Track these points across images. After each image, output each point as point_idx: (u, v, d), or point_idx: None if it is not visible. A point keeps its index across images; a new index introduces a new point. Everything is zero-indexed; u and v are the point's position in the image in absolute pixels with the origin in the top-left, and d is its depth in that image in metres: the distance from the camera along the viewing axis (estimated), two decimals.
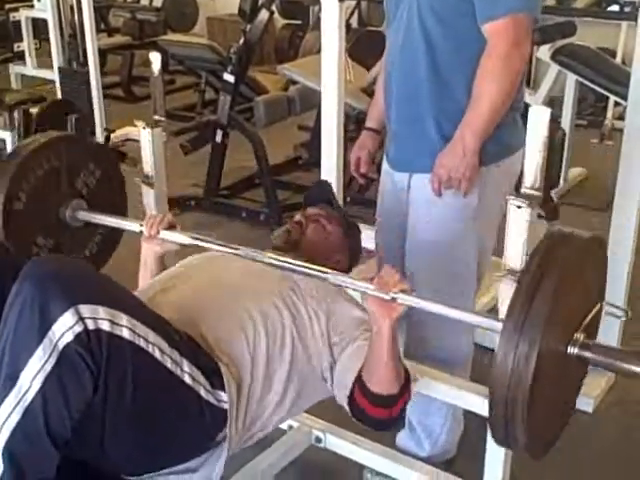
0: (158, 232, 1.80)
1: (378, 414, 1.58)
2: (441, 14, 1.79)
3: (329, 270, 1.63)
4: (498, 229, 1.95)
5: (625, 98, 2.47)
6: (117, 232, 2.14)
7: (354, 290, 1.63)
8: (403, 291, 1.48)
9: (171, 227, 1.82)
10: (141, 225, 1.85)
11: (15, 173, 1.90)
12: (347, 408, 1.63)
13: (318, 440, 2.16)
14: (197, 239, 1.79)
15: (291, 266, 1.66)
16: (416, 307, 1.51)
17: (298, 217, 1.96)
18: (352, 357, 1.62)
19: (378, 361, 1.53)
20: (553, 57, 4.06)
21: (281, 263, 1.68)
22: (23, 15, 5.49)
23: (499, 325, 1.30)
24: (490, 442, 1.83)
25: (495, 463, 1.85)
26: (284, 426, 2.17)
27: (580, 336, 1.34)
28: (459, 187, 1.80)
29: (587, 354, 1.33)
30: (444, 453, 2.17)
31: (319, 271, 1.64)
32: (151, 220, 1.82)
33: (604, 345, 1.38)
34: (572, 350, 1.33)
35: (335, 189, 2.25)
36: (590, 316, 1.40)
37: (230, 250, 1.75)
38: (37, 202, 1.96)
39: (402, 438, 2.21)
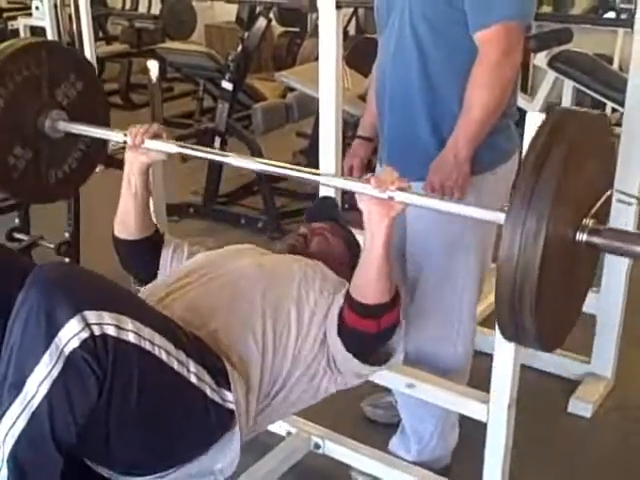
0: (143, 141, 1.75)
1: (367, 327, 1.56)
2: (433, 22, 1.79)
3: (319, 171, 1.59)
4: (496, 236, 1.96)
5: (622, 104, 2.48)
6: (98, 149, 2.06)
7: (351, 190, 1.56)
8: (401, 189, 1.44)
9: (157, 136, 1.77)
10: (125, 135, 1.79)
11: None
12: (339, 339, 1.60)
13: (317, 446, 2.16)
14: (182, 147, 1.75)
15: (278, 169, 1.64)
16: (414, 204, 1.46)
17: (303, 230, 1.95)
18: (342, 296, 1.62)
19: (370, 266, 1.51)
20: (550, 64, 4.07)
21: (269, 167, 1.65)
22: (21, 23, 5.49)
23: (502, 216, 1.23)
24: (488, 448, 1.83)
25: (493, 470, 1.85)
26: (283, 432, 2.17)
27: (589, 222, 1.27)
28: (452, 195, 1.81)
29: (596, 239, 1.25)
30: (435, 460, 2.16)
31: (309, 172, 1.61)
32: (136, 129, 1.77)
33: (614, 229, 1.31)
34: (581, 236, 1.26)
35: (333, 195, 2.26)
36: (600, 203, 1.32)
37: (219, 157, 1.73)
38: (15, 110, 1.87)
39: (393, 442, 2.22)
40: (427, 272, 1.97)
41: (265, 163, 1.67)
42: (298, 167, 1.64)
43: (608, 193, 1.37)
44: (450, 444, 2.18)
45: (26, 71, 1.88)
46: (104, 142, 2.05)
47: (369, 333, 1.57)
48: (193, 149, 1.75)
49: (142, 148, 1.76)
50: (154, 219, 1.92)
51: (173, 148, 1.74)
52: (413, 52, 1.83)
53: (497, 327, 1.31)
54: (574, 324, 1.44)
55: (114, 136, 1.87)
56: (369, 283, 1.53)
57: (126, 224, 1.82)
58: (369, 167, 2.20)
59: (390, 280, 1.54)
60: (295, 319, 1.63)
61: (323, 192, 2.32)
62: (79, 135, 1.99)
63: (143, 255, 1.85)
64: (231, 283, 1.69)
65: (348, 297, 1.57)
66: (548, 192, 1.15)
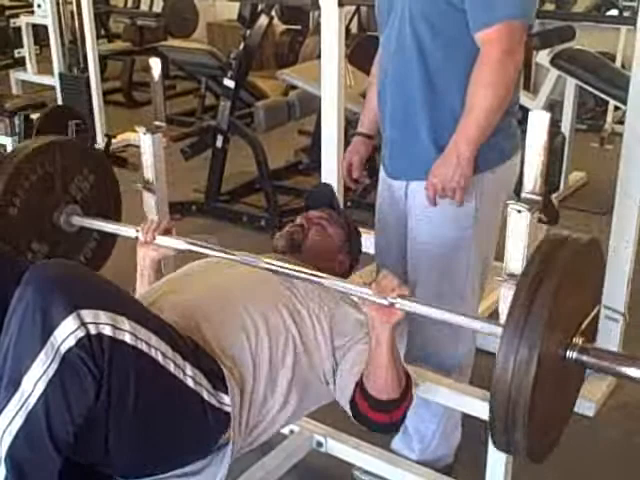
0: (154, 238, 1.81)
1: (379, 418, 1.59)
2: (432, 21, 1.78)
3: (326, 275, 1.63)
4: (499, 234, 1.95)
5: (625, 102, 2.47)
6: (112, 237, 2.13)
7: (352, 295, 1.63)
8: (401, 296, 1.47)
9: (167, 232, 1.83)
10: (137, 231, 1.85)
11: (8, 179, 1.90)
12: (349, 412, 1.64)
13: (319, 445, 2.16)
14: (192, 244, 1.79)
15: (287, 271, 1.66)
16: (415, 312, 1.50)
17: (300, 220, 1.97)
18: (354, 361, 1.63)
19: (378, 366, 1.53)
20: (553, 62, 4.07)
21: (277, 268, 1.67)
22: (24, 21, 5.50)
23: (499, 330, 1.30)
24: (491, 447, 1.82)
25: (496, 468, 1.84)
26: (285, 431, 2.17)
27: (579, 340, 1.34)
28: (454, 196, 1.80)
29: (585, 358, 1.33)
30: (438, 459, 2.16)
31: (315, 276, 1.63)
32: (147, 225, 1.83)
33: (602, 349, 1.38)
34: (571, 354, 1.33)
35: (336, 193, 2.25)
36: (588, 320, 1.40)
37: (226, 255, 1.75)
38: (31, 208, 1.95)
39: (395, 441, 2.22)
40: (428, 273, 1.96)
41: (272, 264, 1.69)
42: (303, 269, 1.66)
43: (597, 309, 1.45)
44: (453, 443, 2.18)
45: (40, 170, 1.97)
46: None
47: (382, 423, 1.61)
48: (202, 246, 1.78)
49: (153, 245, 1.81)
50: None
51: (183, 245, 1.80)
52: (413, 52, 1.82)
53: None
54: (562, 432, 1.50)
55: (126, 232, 1.94)
56: (379, 380, 1.55)
57: None
58: (368, 164, 2.19)
59: (399, 377, 1.57)
60: (293, 327, 1.63)
61: None
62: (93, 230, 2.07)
63: None
64: (225, 288, 1.70)
65: (361, 386, 1.59)
66: (540, 322, 1.23)
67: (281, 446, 2.12)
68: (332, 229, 1.95)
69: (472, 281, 1.97)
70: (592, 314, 1.42)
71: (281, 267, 1.67)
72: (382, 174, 2.06)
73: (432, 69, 1.82)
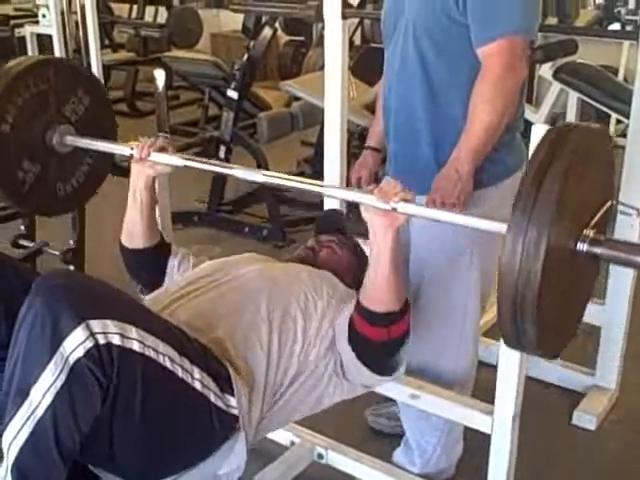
0: (149, 154, 1.78)
1: (376, 334, 1.58)
2: (436, 37, 1.79)
3: (323, 183, 1.61)
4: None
5: (627, 116, 2.47)
6: (105, 163, 2.08)
7: (354, 200, 1.58)
8: (404, 200, 1.46)
9: (163, 149, 1.80)
10: (132, 148, 1.82)
11: (1, 94, 1.85)
12: (350, 347, 1.61)
13: (320, 456, 2.16)
14: (188, 160, 1.77)
15: (284, 182, 1.65)
16: (417, 215, 1.48)
17: (311, 242, 1.98)
18: (351, 305, 1.63)
19: (378, 276, 1.52)
20: (555, 75, 4.08)
21: (274, 179, 1.66)
22: (28, 31, 5.52)
23: (504, 227, 1.24)
24: (492, 461, 1.82)
25: None
26: (286, 442, 2.17)
27: (590, 232, 1.29)
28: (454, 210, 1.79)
29: (597, 250, 1.27)
30: (439, 472, 2.15)
31: (313, 184, 1.62)
32: (142, 142, 1.81)
33: (614, 239, 1.33)
34: (582, 246, 1.27)
35: (339, 204, 2.26)
36: (600, 214, 1.34)
37: (225, 170, 1.74)
38: (24, 125, 1.90)
39: (397, 454, 2.21)
40: (429, 284, 1.96)
41: (269, 175, 1.68)
42: (302, 179, 1.65)
43: (609, 204, 1.38)
44: (454, 457, 2.17)
45: (34, 88, 1.91)
46: (111, 156, 2.08)
47: (379, 341, 1.59)
48: (198, 161, 1.77)
49: (148, 161, 1.78)
50: (160, 228, 1.93)
51: (178, 161, 1.76)
52: (416, 67, 1.83)
53: (502, 339, 1.32)
54: (574, 332, 1.45)
55: (120, 150, 1.89)
56: (378, 291, 1.54)
57: (132, 234, 1.85)
58: (377, 178, 2.20)
59: (399, 288, 1.56)
60: (301, 325, 1.64)
61: (328, 200, 2.32)
62: (86, 149, 2.02)
63: (149, 263, 1.88)
64: (237, 289, 1.70)
65: (358, 304, 1.59)
66: (549, 203, 1.17)
67: (282, 457, 2.12)
68: (342, 251, 1.96)
69: (473, 297, 1.96)
70: (604, 208, 1.36)
71: (280, 177, 1.66)
72: None
73: (436, 85, 1.83)
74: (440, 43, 1.79)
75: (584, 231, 1.28)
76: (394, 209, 1.46)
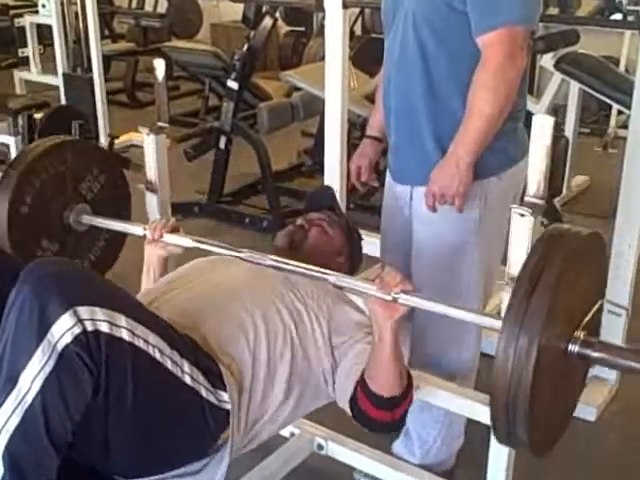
0: (161, 235, 1.82)
1: (380, 416, 1.58)
2: (435, 26, 1.77)
3: (330, 271, 1.63)
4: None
5: (628, 106, 2.47)
6: (121, 237, 2.15)
7: (355, 291, 1.62)
8: (405, 291, 1.47)
9: (174, 231, 1.84)
10: (145, 229, 1.86)
11: (20, 177, 1.92)
12: (349, 411, 1.63)
13: (320, 447, 2.16)
14: (200, 242, 1.81)
15: (293, 268, 1.66)
16: (418, 307, 1.50)
17: (300, 221, 1.97)
18: (354, 360, 1.63)
19: (381, 363, 1.53)
20: (556, 65, 4.06)
21: (283, 265, 1.68)
22: (28, 21, 5.52)
23: (499, 323, 1.29)
24: (492, 452, 1.82)
25: (497, 473, 1.84)
26: (286, 433, 2.17)
27: (580, 334, 1.33)
28: (453, 203, 1.79)
29: (588, 352, 1.32)
30: (439, 463, 2.15)
31: (321, 272, 1.63)
32: (154, 224, 1.84)
33: (605, 342, 1.36)
34: (573, 348, 1.32)
35: (338, 195, 2.25)
36: (590, 314, 1.38)
37: (233, 253, 1.75)
38: (42, 206, 1.97)
39: (397, 444, 2.21)
40: (431, 276, 1.95)
41: (276, 260, 1.69)
42: (309, 266, 1.66)
43: (599, 304, 1.43)
44: (454, 449, 2.17)
45: (52, 169, 1.98)
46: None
47: (382, 422, 1.60)
48: (210, 244, 1.80)
49: (160, 242, 1.83)
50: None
51: (189, 243, 1.81)
52: (416, 57, 1.81)
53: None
54: (565, 430, 1.49)
55: (134, 230, 1.95)
56: (381, 376, 1.55)
57: None
58: (377, 168, 2.19)
59: (402, 372, 1.57)
60: (290, 325, 1.64)
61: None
62: (102, 228, 2.08)
63: None
64: (224, 287, 1.70)
65: (363, 382, 1.58)
66: (540, 314, 1.22)
67: (282, 449, 2.12)
68: (332, 231, 1.95)
69: (474, 287, 1.95)
70: (595, 308, 1.40)
71: (286, 264, 1.67)
72: (388, 178, 2.06)
73: (434, 75, 1.81)
74: (440, 32, 1.77)
75: (575, 333, 1.33)
76: (395, 300, 1.48)
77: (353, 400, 1.61)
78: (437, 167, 1.80)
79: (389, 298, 1.48)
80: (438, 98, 1.82)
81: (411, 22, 1.81)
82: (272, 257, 1.71)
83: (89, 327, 1.28)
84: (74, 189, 2.05)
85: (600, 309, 1.45)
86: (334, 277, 1.62)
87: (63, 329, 1.26)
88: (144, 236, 1.87)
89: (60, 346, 1.26)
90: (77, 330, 1.27)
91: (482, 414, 1.82)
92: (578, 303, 1.36)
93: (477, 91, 1.73)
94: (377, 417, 1.59)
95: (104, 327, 1.30)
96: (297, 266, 1.66)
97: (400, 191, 1.99)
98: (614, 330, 2.40)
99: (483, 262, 1.93)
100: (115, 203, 2.16)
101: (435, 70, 1.81)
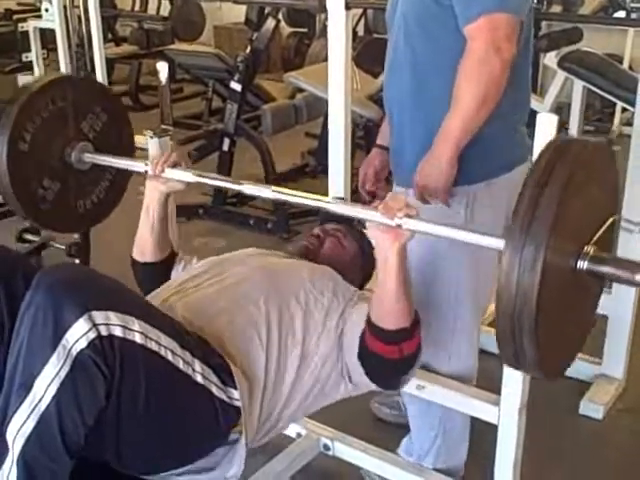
0: (163, 170, 1.80)
1: (389, 352, 1.56)
2: (426, 25, 1.74)
3: (328, 198, 1.61)
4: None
5: (632, 104, 2.47)
6: (124, 177, 2.09)
7: (358, 217, 1.57)
8: (409, 216, 1.44)
9: (176, 165, 1.82)
10: (146, 164, 1.84)
11: (19, 113, 1.84)
12: (359, 363, 1.61)
13: (326, 448, 2.16)
14: (200, 176, 1.78)
15: (292, 197, 1.64)
16: (422, 231, 1.45)
17: (316, 230, 1.97)
18: (356, 318, 1.62)
19: (388, 293, 1.51)
20: (560, 64, 4.06)
21: (282, 195, 1.66)
22: (31, 25, 5.52)
23: (501, 242, 1.22)
24: (499, 450, 1.82)
25: (505, 472, 1.83)
26: (292, 434, 2.17)
27: (590, 249, 1.25)
28: (435, 199, 1.75)
29: (598, 267, 1.24)
30: (446, 470, 2.09)
31: (318, 200, 1.60)
32: (156, 159, 1.82)
33: (616, 257, 1.29)
34: (582, 264, 1.24)
35: (342, 197, 2.25)
36: (602, 230, 1.30)
37: (234, 186, 1.74)
38: (42, 143, 1.90)
39: (402, 446, 2.18)
40: (417, 277, 1.88)
41: (278, 191, 1.67)
42: (308, 194, 1.64)
43: (611, 220, 1.35)
44: (457, 455, 2.10)
45: (52, 105, 1.92)
46: (130, 171, 2.08)
47: (391, 359, 1.58)
48: (210, 177, 1.80)
49: (162, 178, 1.80)
50: (171, 238, 1.95)
51: (191, 177, 1.79)
52: (407, 57, 1.79)
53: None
54: (577, 352, 1.44)
55: (136, 166, 1.91)
56: (387, 308, 1.54)
57: (142, 249, 1.88)
58: (388, 177, 2.16)
59: (408, 304, 1.54)
60: (301, 322, 1.64)
61: (332, 190, 2.32)
62: (105, 166, 2.04)
63: (159, 275, 1.88)
64: (235, 285, 1.70)
65: (369, 323, 1.57)
66: (547, 220, 1.14)
67: (288, 449, 2.12)
68: (347, 243, 1.95)
69: (463, 294, 1.89)
70: (607, 224, 1.33)
71: (286, 193, 1.65)
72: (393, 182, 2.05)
73: (422, 73, 1.78)
74: (430, 31, 1.74)
75: (585, 248, 1.25)
76: (399, 225, 1.44)
77: (362, 346, 1.59)
78: (421, 162, 1.77)
79: (393, 224, 1.44)
80: (425, 96, 1.79)
81: (403, 25, 1.79)
82: (273, 187, 1.69)
83: (103, 332, 1.29)
84: (76, 127, 1.98)
85: (612, 225, 1.35)
86: (333, 204, 1.57)
87: (78, 334, 1.27)
88: (146, 172, 1.84)
89: (75, 351, 1.27)
90: (92, 335, 1.28)
91: (488, 414, 1.82)
92: (588, 217, 1.28)
93: (459, 82, 1.67)
94: (385, 353, 1.56)
95: (118, 331, 1.31)
96: (295, 195, 1.64)
97: (397, 193, 1.97)
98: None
99: (471, 264, 1.86)
100: (117, 141, 2.09)
101: (422, 67, 1.78)
